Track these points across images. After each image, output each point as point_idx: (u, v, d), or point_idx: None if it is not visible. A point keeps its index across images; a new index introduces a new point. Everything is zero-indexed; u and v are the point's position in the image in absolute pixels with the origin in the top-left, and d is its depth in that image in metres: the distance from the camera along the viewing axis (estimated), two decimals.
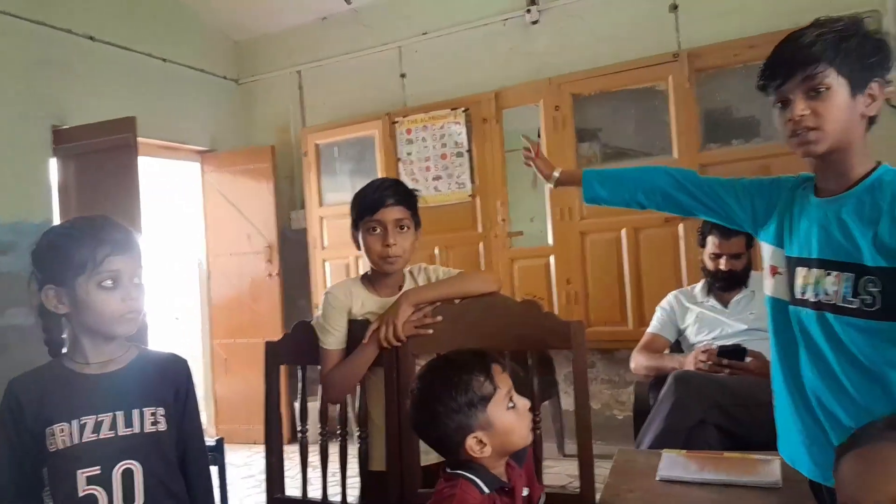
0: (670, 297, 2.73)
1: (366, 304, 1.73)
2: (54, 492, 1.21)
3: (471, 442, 1.13)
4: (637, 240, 3.57)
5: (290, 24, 4.74)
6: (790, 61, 1.20)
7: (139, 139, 3.53)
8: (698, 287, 2.68)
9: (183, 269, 5.05)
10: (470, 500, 1.11)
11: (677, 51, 3.54)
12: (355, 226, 1.74)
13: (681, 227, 3.45)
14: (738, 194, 1.42)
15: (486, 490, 1.13)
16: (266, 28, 4.81)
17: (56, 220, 3.59)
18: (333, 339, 1.70)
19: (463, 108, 4.01)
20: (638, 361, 2.63)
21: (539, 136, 3.80)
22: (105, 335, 1.24)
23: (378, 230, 1.69)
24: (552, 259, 3.77)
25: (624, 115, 3.83)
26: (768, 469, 1.43)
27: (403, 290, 1.73)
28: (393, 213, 1.69)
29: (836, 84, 1.17)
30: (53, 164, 3.60)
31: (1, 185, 3.34)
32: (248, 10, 4.60)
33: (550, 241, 3.78)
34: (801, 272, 1.26)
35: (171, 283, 5.22)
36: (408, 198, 1.73)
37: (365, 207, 1.70)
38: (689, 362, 2.34)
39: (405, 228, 1.71)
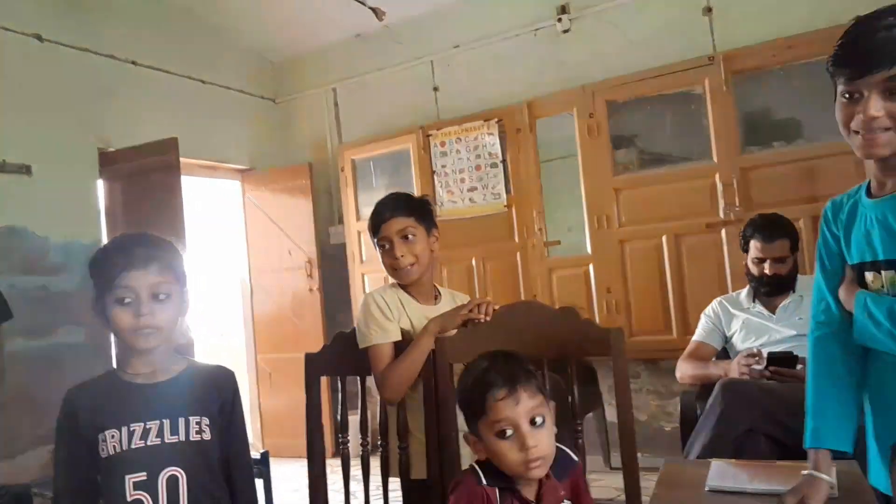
0: (715, 303, 2.67)
1: (407, 307, 1.76)
2: (106, 497, 1.25)
3: (464, 435, 1.20)
4: (678, 246, 3.50)
5: (325, 43, 4.83)
6: (873, 55, 1.09)
7: (181, 159, 3.63)
8: (744, 293, 2.62)
9: (227, 286, 5.15)
10: (464, 488, 1.14)
11: (712, 54, 3.48)
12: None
13: (723, 231, 3.37)
14: (833, 266, 1.33)
15: (483, 482, 1.14)
16: (302, 48, 4.91)
17: (104, 241, 3.70)
18: (383, 333, 1.68)
19: (496, 119, 4.01)
20: (683, 370, 2.58)
21: None
22: (129, 348, 1.28)
23: (387, 246, 1.74)
24: (591, 268, 3.72)
25: (660, 120, 3.77)
26: None
27: (440, 300, 1.80)
28: (393, 225, 1.73)
29: None
30: (101, 186, 3.72)
31: (52, 208, 3.46)
32: (283, 31, 4.70)
33: (589, 249, 3.74)
34: (869, 277, 1.21)
35: (216, 300, 5.34)
36: (408, 206, 1.75)
37: (371, 229, 1.77)
38: (733, 368, 2.29)
39: (411, 237, 1.73)
